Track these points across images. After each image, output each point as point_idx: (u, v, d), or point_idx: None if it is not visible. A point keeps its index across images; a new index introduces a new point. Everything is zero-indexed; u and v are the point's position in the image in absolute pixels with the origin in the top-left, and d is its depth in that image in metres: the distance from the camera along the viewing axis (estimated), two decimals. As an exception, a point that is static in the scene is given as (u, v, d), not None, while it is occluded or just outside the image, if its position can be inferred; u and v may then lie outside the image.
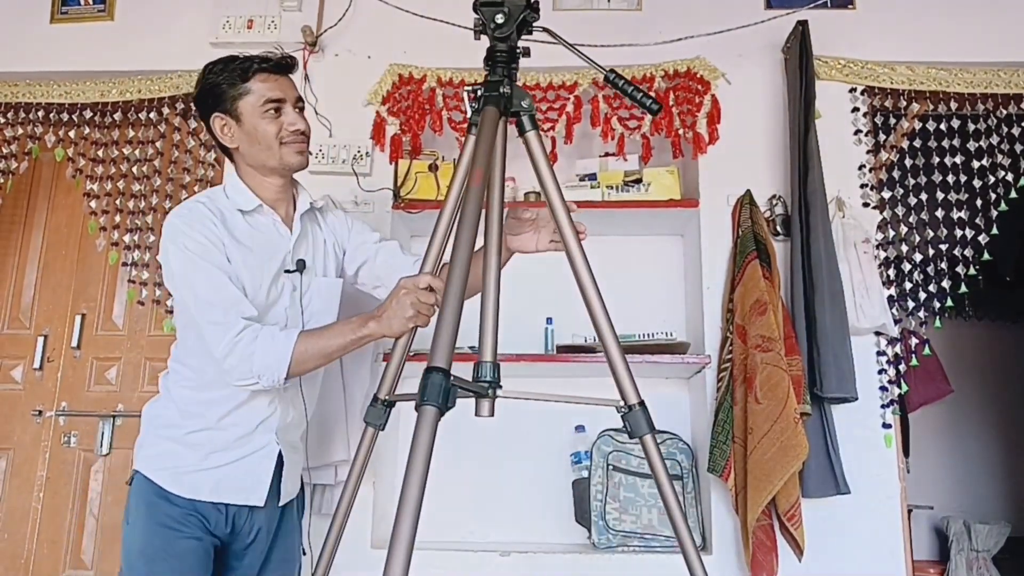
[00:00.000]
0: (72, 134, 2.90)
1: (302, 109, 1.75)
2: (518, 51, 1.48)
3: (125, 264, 2.78)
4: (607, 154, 2.73)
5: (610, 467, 2.47)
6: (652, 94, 2.65)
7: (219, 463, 1.64)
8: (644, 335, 2.54)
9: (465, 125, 2.79)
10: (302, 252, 1.76)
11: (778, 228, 2.57)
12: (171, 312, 2.73)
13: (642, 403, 1.38)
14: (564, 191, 2.48)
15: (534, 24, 1.47)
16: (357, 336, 1.56)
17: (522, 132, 1.48)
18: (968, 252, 2.56)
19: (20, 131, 2.93)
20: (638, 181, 2.62)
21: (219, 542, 1.66)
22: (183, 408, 1.67)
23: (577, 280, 1.44)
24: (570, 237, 1.44)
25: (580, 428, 2.60)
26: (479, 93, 1.45)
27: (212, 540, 1.64)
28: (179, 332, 1.73)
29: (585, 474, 2.50)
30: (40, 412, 2.88)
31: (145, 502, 1.61)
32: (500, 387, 1.37)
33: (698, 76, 2.64)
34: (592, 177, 2.67)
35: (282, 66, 1.73)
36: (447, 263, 1.26)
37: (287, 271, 1.72)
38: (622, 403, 1.40)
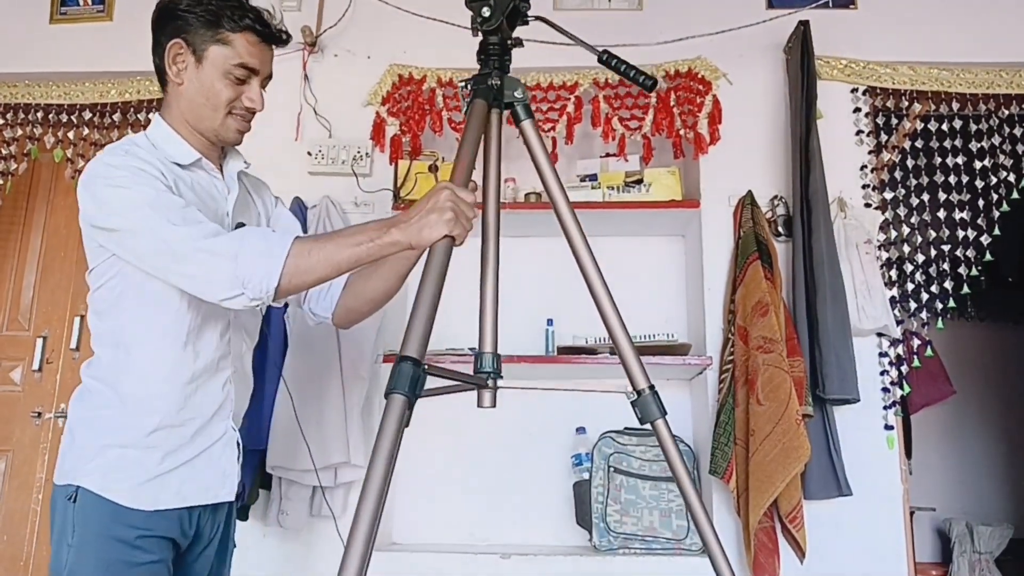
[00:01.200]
0: (71, 135, 2.89)
1: (266, 85, 1.53)
2: (510, 42, 1.46)
3: (124, 265, 2.77)
4: (608, 155, 2.72)
5: (611, 469, 2.46)
6: (653, 94, 2.65)
7: (179, 462, 1.42)
8: (645, 336, 2.53)
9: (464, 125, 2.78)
10: (240, 215, 1.55)
11: (780, 229, 2.56)
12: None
13: (652, 387, 1.35)
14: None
15: (529, 14, 1.45)
16: (377, 244, 1.29)
17: (517, 121, 1.45)
18: (970, 253, 2.55)
19: (19, 132, 2.93)
20: (639, 182, 2.61)
21: (180, 549, 1.46)
22: (131, 404, 1.41)
23: (581, 269, 1.42)
24: (572, 227, 1.41)
25: (581, 430, 2.59)
26: (469, 87, 1.43)
27: (171, 555, 1.43)
28: (108, 301, 1.46)
29: (586, 476, 2.48)
30: (39, 414, 2.87)
31: (96, 523, 1.37)
32: (501, 377, 1.35)
33: (699, 76, 2.63)
34: (593, 178, 2.66)
35: (275, 38, 1.50)
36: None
37: None
38: (631, 389, 1.36)
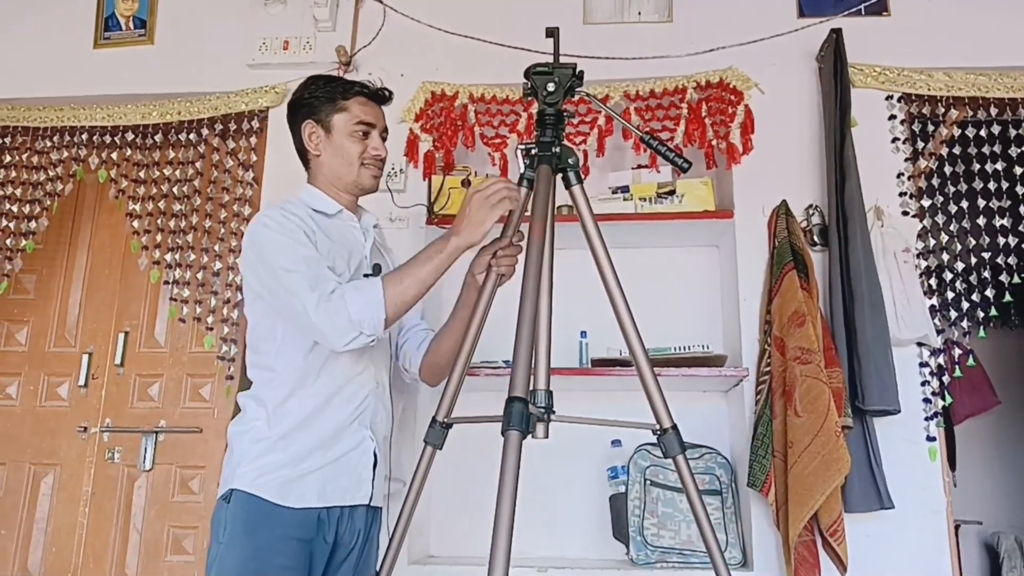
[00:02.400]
0: (115, 156, 2.97)
1: (386, 138, 1.85)
2: (565, 114, 1.64)
3: (167, 282, 2.84)
4: (639, 166, 2.72)
5: (647, 482, 2.45)
6: (684, 104, 2.65)
7: (319, 464, 1.63)
8: (680, 348, 2.51)
9: (496, 140, 2.82)
10: (375, 258, 1.83)
11: (815, 238, 2.54)
12: (211, 329, 2.78)
13: (674, 426, 1.51)
14: (597, 204, 2.50)
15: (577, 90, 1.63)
16: (447, 253, 1.59)
17: (568, 186, 1.63)
18: (1012, 260, 2.50)
19: (65, 154, 3.01)
20: (671, 193, 2.61)
21: (317, 560, 1.64)
22: (273, 413, 1.65)
23: (615, 311, 1.56)
24: (610, 278, 1.57)
25: (616, 443, 2.58)
26: (532, 152, 1.61)
27: (307, 563, 1.60)
28: (261, 336, 1.72)
29: (622, 489, 2.47)
30: (85, 428, 2.94)
31: (243, 521, 1.58)
32: (554, 412, 1.49)
33: (731, 86, 2.62)
34: (625, 189, 2.66)
35: (379, 96, 1.84)
36: None
37: (365, 274, 1.76)
38: (657, 426, 1.52)
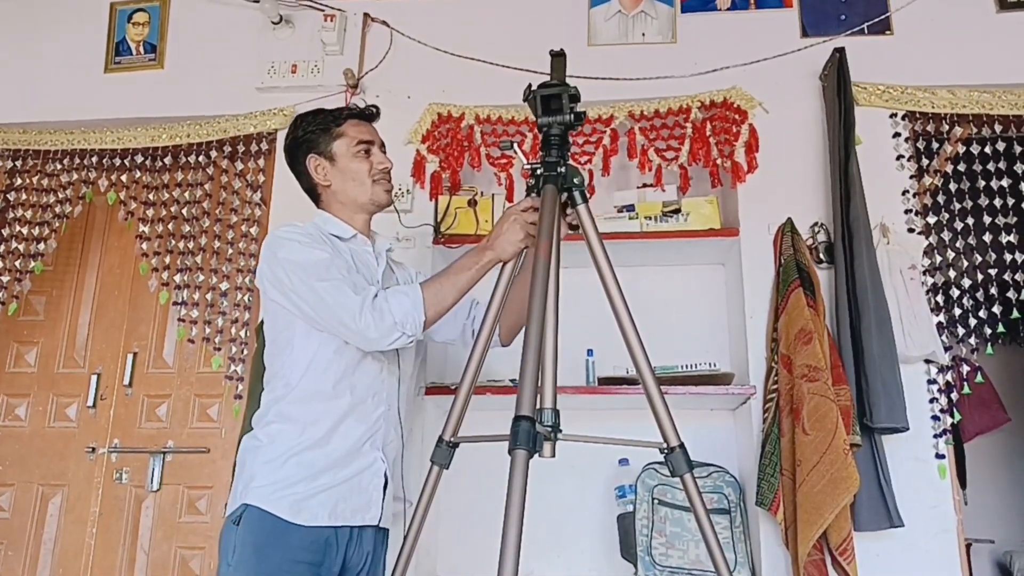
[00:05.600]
0: (124, 178, 3.00)
1: (385, 151, 1.91)
2: (570, 134, 1.67)
3: (175, 303, 2.86)
4: (645, 185, 2.73)
5: (655, 501, 2.44)
6: (689, 124, 2.67)
7: (331, 483, 1.65)
8: (687, 366, 2.51)
9: (503, 161, 2.84)
10: (386, 281, 1.87)
11: (821, 255, 2.54)
12: (219, 349, 2.79)
13: (681, 444, 1.51)
14: (602, 222, 2.51)
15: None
16: (481, 265, 1.69)
17: (574, 205, 1.66)
18: (1019, 276, 2.50)
19: (75, 176, 3.04)
20: (677, 211, 2.62)
21: None
22: (289, 427, 1.68)
23: (621, 329, 1.56)
24: (616, 296, 1.57)
25: (624, 461, 2.57)
26: (538, 172, 1.63)
27: None
28: (277, 351, 1.75)
29: (630, 508, 2.46)
30: (93, 449, 2.95)
31: (253, 544, 1.59)
32: (560, 431, 1.49)
33: (735, 106, 2.64)
34: (630, 208, 2.67)
35: (368, 115, 1.92)
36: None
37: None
38: (665, 445, 1.52)
